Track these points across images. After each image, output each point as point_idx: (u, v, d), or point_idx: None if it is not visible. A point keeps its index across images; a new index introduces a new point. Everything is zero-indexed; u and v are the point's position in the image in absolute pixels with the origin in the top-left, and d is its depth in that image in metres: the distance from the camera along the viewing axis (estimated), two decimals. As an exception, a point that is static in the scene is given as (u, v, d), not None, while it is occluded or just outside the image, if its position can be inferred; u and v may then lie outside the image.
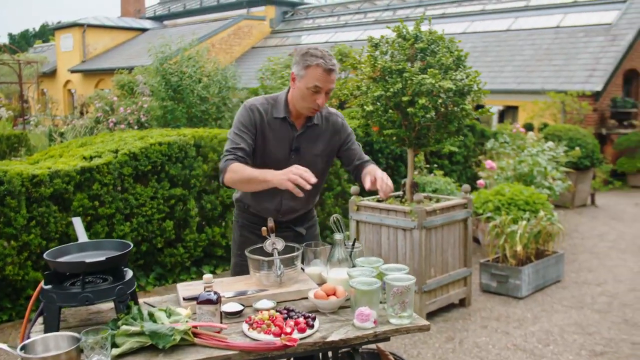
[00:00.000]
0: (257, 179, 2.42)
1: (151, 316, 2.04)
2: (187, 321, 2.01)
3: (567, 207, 8.67)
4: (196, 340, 1.95)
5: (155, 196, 5.12)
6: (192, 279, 5.49)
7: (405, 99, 4.20)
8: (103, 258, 1.97)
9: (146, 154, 5.03)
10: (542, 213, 5.20)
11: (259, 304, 2.26)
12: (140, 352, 1.89)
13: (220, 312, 2.06)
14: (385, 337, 2.11)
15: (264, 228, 2.56)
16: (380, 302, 2.19)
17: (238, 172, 2.47)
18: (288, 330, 2.00)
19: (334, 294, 2.26)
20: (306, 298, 2.34)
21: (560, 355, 3.77)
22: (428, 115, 4.20)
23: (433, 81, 4.07)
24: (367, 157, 2.74)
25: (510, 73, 12.48)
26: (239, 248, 2.71)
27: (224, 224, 5.72)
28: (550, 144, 6.93)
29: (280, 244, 2.51)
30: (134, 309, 2.06)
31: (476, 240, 6.29)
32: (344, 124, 2.75)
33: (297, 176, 2.25)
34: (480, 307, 4.70)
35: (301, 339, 1.98)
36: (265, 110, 2.62)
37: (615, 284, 5.28)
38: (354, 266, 2.42)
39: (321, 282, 2.53)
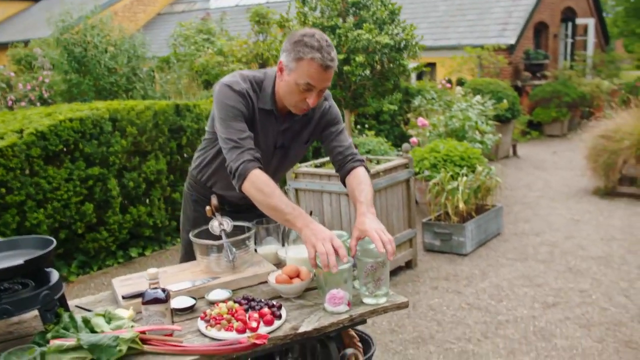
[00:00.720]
0: (282, 214, 1.97)
1: (87, 323, 1.70)
2: (132, 326, 1.70)
3: (491, 160, 8.76)
4: (146, 347, 1.64)
5: (70, 178, 4.63)
6: (119, 263, 5.08)
7: (340, 57, 3.93)
8: (21, 261, 1.61)
9: (56, 132, 4.51)
10: (480, 168, 5.14)
11: (213, 295, 1.97)
12: (79, 370, 1.57)
13: (171, 310, 1.75)
14: (361, 320, 1.88)
15: (208, 208, 2.25)
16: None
17: (263, 192, 1.99)
18: (253, 324, 1.72)
19: (298, 276, 2.00)
20: (265, 282, 2.07)
21: (515, 310, 3.72)
22: (364, 74, 3.97)
23: (370, 37, 3.82)
24: (353, 151, 2.28)
25: (426, 30, 12.41)
26: (193, 225, 2.36)
27: (148, 201, 5.30)
28: (478, 97, 6.90)
29: (228, 224, 2.21)
30: (65, 317, 1.71)
31: (412, 199, 6.19)
32: (331, 106, 2.30)
33: (325, 255, 1.82)
34: (427, 268, 4.60)
35: (269, 332, 1.72)
36: (253, 98, 2.16)
37: (552, 232, 5.34)
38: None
39: (277, 262, 2.27)
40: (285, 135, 2.25)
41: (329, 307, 1.84)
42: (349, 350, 2.06)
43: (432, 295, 4.03)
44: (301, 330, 1.74)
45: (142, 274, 2.12)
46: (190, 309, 1.90)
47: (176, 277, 2.12)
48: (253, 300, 1.89)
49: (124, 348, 1.58)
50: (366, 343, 2.38)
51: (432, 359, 3.18)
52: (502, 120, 8.75)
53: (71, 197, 4.62)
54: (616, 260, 4.57)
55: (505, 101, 8.02)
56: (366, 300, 1.90)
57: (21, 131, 4.41)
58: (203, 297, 1.98)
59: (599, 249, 4.84)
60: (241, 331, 1.70)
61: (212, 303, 1.94)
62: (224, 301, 1.91)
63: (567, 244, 5.00)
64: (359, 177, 2.20)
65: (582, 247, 4.90)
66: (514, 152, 9.51)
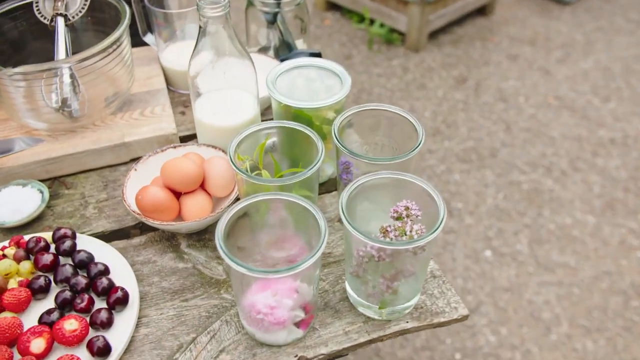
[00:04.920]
0: None
1: None
2: None
3: None
4: None
5: None
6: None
7: None
8: None
9: None
10: None
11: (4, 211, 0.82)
12: None
13: None
14: (335, 356, 0.74)
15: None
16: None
17: None
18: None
19: (203, 186, 0.79)
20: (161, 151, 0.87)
21: (627, 122, 2.46)
22: None
23: None
24: None
25: None
26: None
27: None
28: None
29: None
30: None
31: None
32: None
33: None
34: (509, 19, 3.17)
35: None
36: None
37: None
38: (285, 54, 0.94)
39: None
40: None
41: (251, 330, 0.68)
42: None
43: (507, 72, 2.73)
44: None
45: None
46: None
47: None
48: (70, 249, 0.73)
49: None
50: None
51: (487, 195, 2.09)
52: None
53: None
54: None
55: None
56: (361, 305, 0.72)
57: None
58: (-16, 195, 0.83)
59: None
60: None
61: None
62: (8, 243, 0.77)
63: None
64: None
65: None
66: None
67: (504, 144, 2.31)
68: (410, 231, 0.62)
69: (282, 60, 1.02)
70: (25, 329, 0.66)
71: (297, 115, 0.79)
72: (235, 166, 0.68)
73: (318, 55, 1.03)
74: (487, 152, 2.27)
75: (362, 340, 0.69)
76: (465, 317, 0.73)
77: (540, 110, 2.49)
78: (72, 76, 0.84)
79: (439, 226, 0.62)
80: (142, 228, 0.82)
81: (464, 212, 2.02)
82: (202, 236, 0.80)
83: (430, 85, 2.62)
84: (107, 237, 0.80)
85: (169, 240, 0.79)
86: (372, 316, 0.71)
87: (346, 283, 0.73)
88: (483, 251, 1.90)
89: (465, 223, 1.98)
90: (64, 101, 0.85)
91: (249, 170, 0.72)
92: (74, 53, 0.91)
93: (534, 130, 2.38)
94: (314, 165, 0.68)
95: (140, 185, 0.79)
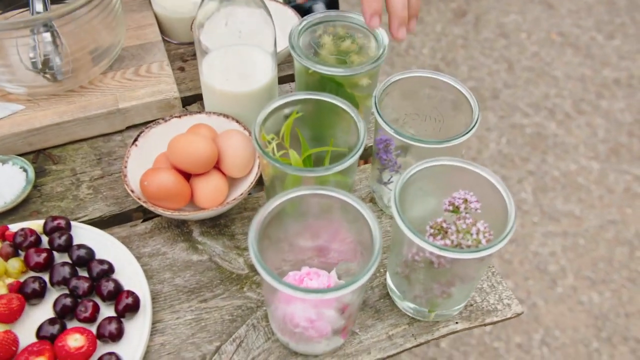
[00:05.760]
0: None
1: None
2: None
3: None
4: None
5: None
6: None
7: None
8: None
9: None
10: None
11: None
12: None
13: None
14: None
15: None
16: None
17: None
18: None
19: (217, 167, 0.68)
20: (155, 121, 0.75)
21: (633, 61, 2.35)
22: None
23: None
24: None
25: None
26: None
27: None
28: None
29: None
30: None
31: None
32: None
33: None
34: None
35: None
36: None
37: None
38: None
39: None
40: None
41: (284, 340, 0.59)
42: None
43: (508, 5, 2.58)
44: None
45: None
46: None
47: None
48: (66, 244, 0.63)
49: None
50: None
51: (490, 139, 2.01)
52: None
53: None
54: None
55: None
56: (405, 306, 0.64)
57: None
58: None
59: None
60: None
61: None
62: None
63: None
64: None
65: None
66: None
67: (506, 84, 2.21)
68: (477, 234, 0.53)
69: (293, 7, 0.90)
70: (20, 343, 0.57)
71: (326, 80, 0.67)
72: (262, 150, 0.57)
73: (335, 1, 0.90)
74: (488, 93, 2.17)
75: (408, 345, 0.61)
76: (519, 315, 0.65)
77: (543, 47, 2.38)
78: (53, 33, 0.71)
79: (511, 229, 0.53)
80: (145, 210, 0.71)
81: (467, 159, 1.94)
82: (217, 221, 0.70)
83: (428, 19, 2.48)
84: (106, 222, 0.70)
85: (179, 227, 0.69)
86: (417, 317, 0.63)
87: (387, 278, 0.65)
88: (486, 200, 1.83)
89: (467, 170, 1.90)
90: (45, 62, 0.72)
91: (275, 151, 0.61)
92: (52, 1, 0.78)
93: (536, 69, 2.28)
94: (355, 152, 0.57)
95: (142, 163, 0.68)
